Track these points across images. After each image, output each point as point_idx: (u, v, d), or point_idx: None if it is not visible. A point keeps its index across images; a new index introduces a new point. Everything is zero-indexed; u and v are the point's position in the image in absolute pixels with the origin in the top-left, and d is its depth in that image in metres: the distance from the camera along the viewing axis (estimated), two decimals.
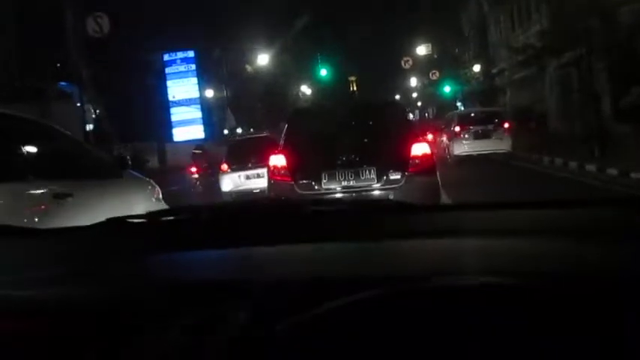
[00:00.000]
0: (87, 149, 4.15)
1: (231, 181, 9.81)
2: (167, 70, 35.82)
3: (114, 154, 12.42)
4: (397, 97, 63.87)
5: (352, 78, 66.11)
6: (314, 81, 39.08)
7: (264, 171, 6.42)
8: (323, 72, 34.98)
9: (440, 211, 1.43)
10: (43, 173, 3.29)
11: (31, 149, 3.41)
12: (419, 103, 55.19)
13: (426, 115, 47.33)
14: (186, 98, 34.80)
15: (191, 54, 35.78)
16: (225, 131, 33.52)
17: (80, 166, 3.80)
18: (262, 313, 0.69)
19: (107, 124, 24.13)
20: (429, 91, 39.37)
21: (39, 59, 22.60)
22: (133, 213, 3.65)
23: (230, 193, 9.72)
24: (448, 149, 14.64)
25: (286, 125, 5.48)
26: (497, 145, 13.74)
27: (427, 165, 4.77)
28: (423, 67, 37.40)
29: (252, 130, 38.15)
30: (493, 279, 0.67)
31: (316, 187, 4.67)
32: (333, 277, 0.82)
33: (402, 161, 4.70)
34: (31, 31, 21.97)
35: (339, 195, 4.66)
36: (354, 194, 4.64)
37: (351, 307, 0.62)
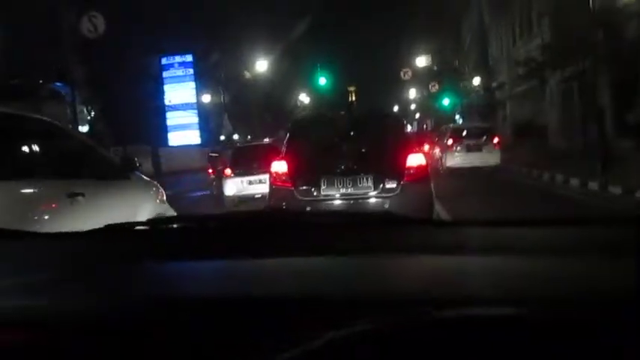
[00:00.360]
0: (96, 150, 4.26)
1: (234, 186, 10.19)
2: (164, 74, 35.62)
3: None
4: (395, 108, 63.86)
5: (351, 88, 66.12)
6: (313, 90, 38.86)
7: (266, 177, 6.71)
8: (322, 81, 34.59)
9: (442, 228, 1.40)
10: (56, 173, 3.45)
11: (45, 149, 3.51)
12: (417, 115, 55.11)
13: (424, 127, 47.18)
14: (183, 103, 34.50)
15: (189, 58, 35.59)
16: (222, 137, 33.26)
17: (90, 167, 3.92)
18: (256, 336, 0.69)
19: (102, 125, 23.82)
20: (428, 102, 39.22)
21: (34, 59, 22.32)
22: (140, 214, 3.85)
23: (233, 197, 10.15)
24: (441, 161, 15.24)
25: (288, 134, 5.67)
26: (487, 159, 14.44)
27: (422, 175, 4.98)
28: (422, 78, 37.26)
29: (249, 137, 37.92)
30: (501, 310, 0.62)
31: (315, 194, 4.87)
32: (328, 295, 0.82)
33: (398, 171, 4.89)
34: (26, 31, 21.70)
35: (337, 201, 4.87)
36: (351, 202, 4.84)
37: (348, 339, 0.59)
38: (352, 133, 5.51)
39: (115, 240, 1.27)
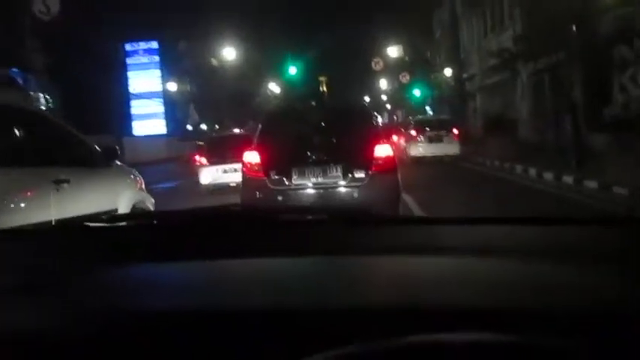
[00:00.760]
0: (80, 138, 4.34)
1: (209, 175, 10.62)
2: (129, 60, 34.34)
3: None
4: (367, 98, 63.73)
5: (322, 78, 65.62)
6: (283, 79, 38.17)
7: (240, 166, 6.90)
8: (292, 70, 33.88)
9: (419, 225, 1.33)
10: (42, 160, 3.56)
11: (31, 138, 3.62)
12: (388, 106, 55.00)
13: (395, 118, 47.08)
14: (148, 91, 33.30)
15: (154, 45, 34.38)
16: (189, 127, 32.41)
17: (74, 154, 4.03)
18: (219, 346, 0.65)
19: (61, 114, 22.79)
20: (399, 94, 39.03)
21: None
22: (121, 201, 4.09)
23: (208, 185, 10.60)
24: (406, 151, 16.41)
25: (260, 125, 5.80)
26: (447, 149, 15.73)
27: (389, 165, 5.15)
28: (393, 69, 36.94)
29: (217, 127, 37.06)
30: (485, 336, 0.57)
31: (287, 183, 5.01)
32: (302, 304, 0.76)
33: (367, 161, 5.04)
34: None
35: (308, 190, 5.02)
36: (322, 191, 5.01)
37: None
38: (323, 125, 5.62)
39: (67, 240, 1.17)
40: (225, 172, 10.37)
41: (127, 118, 33.54)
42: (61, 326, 0.73)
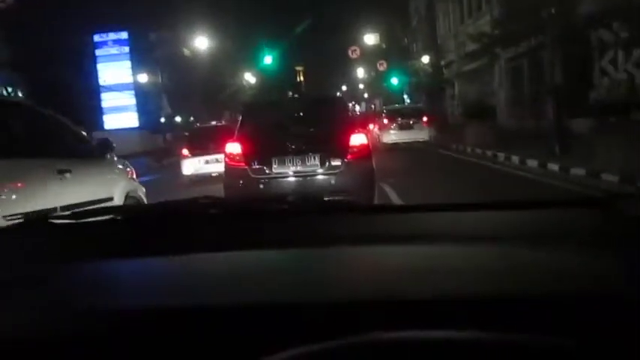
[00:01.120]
0: (77, 132, 4.60)
1: (191, 166, 11.04)
2: (98, 52, 33.14)
3: None
4: (344, 87, 63.20)
5: (299, 68, 64.85)
6: (258, 69, 37.42)
7: (221, 156, 7.01)
8: (268, 60, 33.14)
9: (402, 213, 1.27)
10: (47, 152, 3.84)
11: (37, 132, 3.92)
12: (366, 95, 54.66)
13: (372, 107, 46.73)
14: (118, 83, 32.22)
15: (124, 35, 33.19)
16: (162, 120, 31.55)
17: (73, 146, 4.32)
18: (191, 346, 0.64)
19: None
20: (377, 82, 38.68)
21: None
22: (116, 190, 4.42)
23: (190, 176, 11.03)
24: (379, 138, 17.46)
25: (241, 116, 6.10)
26: (417, 135, 17.12)
27: (364, 153, 5.38)
28: (371, 57, 36.54)
29: (192, 118, 36.19)
30: (480, 334, 0.55)
31: (267, 172, 5.24)
32: (274, 295, 0.74)
33: (342, 149, 5.27)
34: None
35: (288, 179, 5.24)
36: (300, 178, 5.22)
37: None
38: (300, 116, 5.94)
39: (34, 236, 1.15)
40: (207, 162, 10.77)
41: (97, 111, 32.44)
42: (26, 325, 0.69)
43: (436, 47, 26.51)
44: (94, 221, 1.27)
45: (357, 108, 54.28)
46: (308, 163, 5.24)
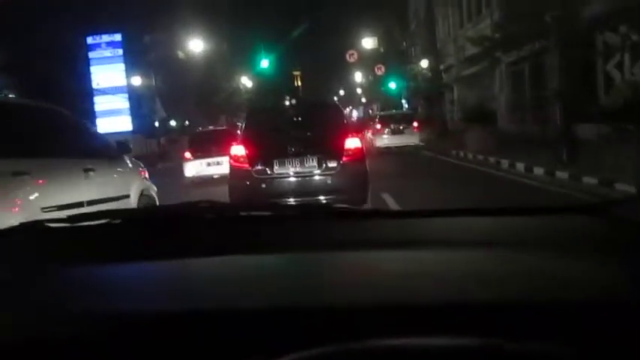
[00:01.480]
0: (98, 134, 5.09)
1: (193, 168, 11.41)
2: (91, 54, 32.61)
3: None
4: (341, 92, 62.72)
5: (296, 72, 64.35)
6: (255, 73, 36.93)
7: (223, 159, 7.66)
8: (264, 63, 32.64)
9: (406, 218, 1.26)
10: (75, 152, 4.23)
11: (66, 134, 4.29)
12: (363, 99, 54.21)
13: (370, 112, 46.19)
14: (112, 86, 31.67)
15: (118, 37, 32.66)
16: (157, 123, 31.03)
17: (96, 147, 4.65)
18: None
19: None
20: (375, 86, 38.25)
21: None
22: (132, 189, 5.05)
23: (192, 178, 11.39)
24: (372, 142, 18.11)
25: (244, 121, 6.61)
26: (409, 140, 17.99)
27: (358, 155, 5.76)
28: (369, 61, 36.08)
29: (187, 123, 35.66)
30: (479, 341, 0.55)
31: (269, 172, 5.64)
32: (275, 303, 0.73)
33: (338, 152, 5.67)
34: None
35: (288, 179, 5.62)
36: (299, 178, 5.61)
37: None
38: (299, 120, 6.34)
39: (31, 239, 1.17)
40: (209, 165, 11.20)
41: (90, 115, 31.85)
42: (22, 328, 0.70)
43: (435, 51, 26.05)
44: (90, 225, 1.25)
45: (355, 113, 53.80)
46: (306, 165, 5.65)
